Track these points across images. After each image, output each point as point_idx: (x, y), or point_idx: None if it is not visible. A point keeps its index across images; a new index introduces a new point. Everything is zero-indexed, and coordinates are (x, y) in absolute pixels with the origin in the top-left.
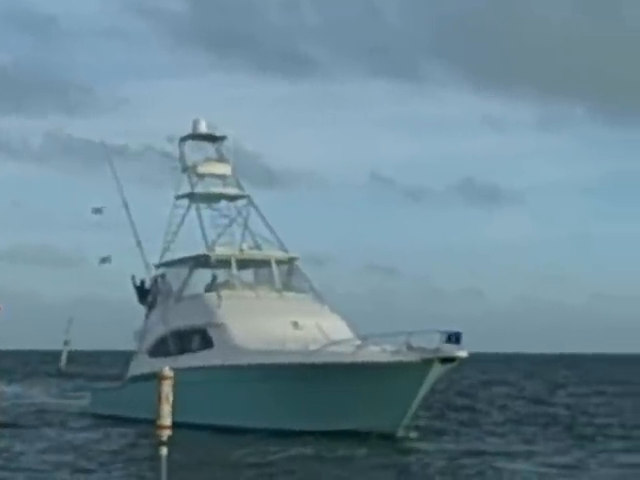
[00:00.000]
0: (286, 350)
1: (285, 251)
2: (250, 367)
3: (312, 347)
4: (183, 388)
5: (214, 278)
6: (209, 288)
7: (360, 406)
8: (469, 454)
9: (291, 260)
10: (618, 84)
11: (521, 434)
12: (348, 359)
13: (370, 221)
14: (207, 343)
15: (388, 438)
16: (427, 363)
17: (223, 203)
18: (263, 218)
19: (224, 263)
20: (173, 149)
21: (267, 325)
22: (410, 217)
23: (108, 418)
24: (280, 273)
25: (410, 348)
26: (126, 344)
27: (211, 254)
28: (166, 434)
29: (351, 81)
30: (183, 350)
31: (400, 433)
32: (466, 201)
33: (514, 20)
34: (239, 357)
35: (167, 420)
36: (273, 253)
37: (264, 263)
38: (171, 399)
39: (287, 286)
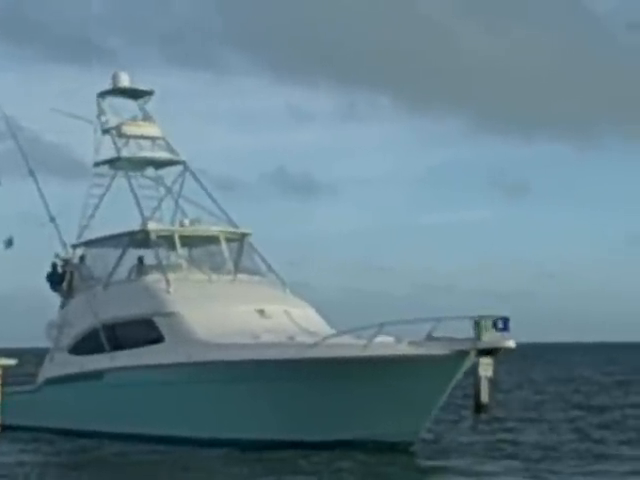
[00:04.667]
0: (267, 343)
1: (235, 226)
2: (225, 365)
3: (300, 339)
4: (126, 392)
5: (141, 260)
6: (139, 271)
7: (371, 410)
8: None
9: (243, 236)
10: (417, 71)
11: None
12: (362, 353)
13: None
14: (155, 336)
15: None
16: (461, 356)
17: (149, 171)
18: (204, 187)
19: (166, 240)
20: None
21: (228, 314)
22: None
23: (17, 429)
24: (230, 252)
25: (430, 338)
26: None
27: (151, 230)
28: None
29: (148, 72)
30: (121, 346)
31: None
32: (280, 193)
33: (308, 4)
34: (201, 353)
35: None
36: (222, 228)
37: (212, 240)
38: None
39: (238, 267)
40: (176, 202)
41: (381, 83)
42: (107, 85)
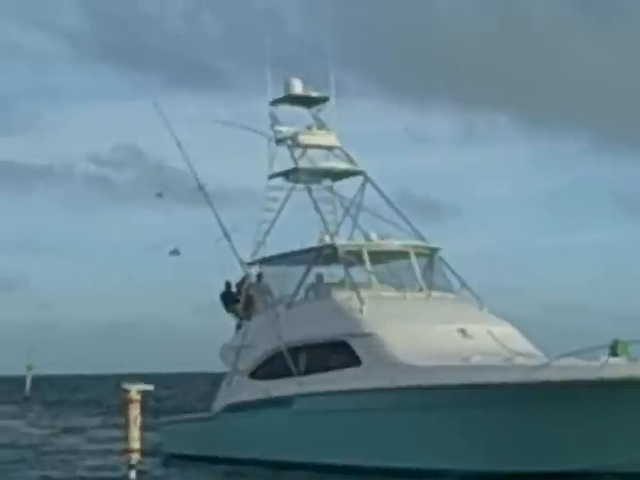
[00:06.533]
0: (482, 366)
1: (423, 240)
2: (439, 390)
3: (519, 360)
4: (317, 419)
5: (320, 277)
6: (321, 290)
7: (604, 438)
8: None
9: (433, 251)
10: (535, 91)
11: None
12: (601, 375)
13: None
14: (350, 359)
15: None
16: None
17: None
18: (387, 199)
19: (354, 256)
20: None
21: (429, 334)
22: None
23: (191, 459)
24: (419, 267)
25: None
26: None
27: (339, 245)
28: (135, 458)
29: (264, 96)
30: (310, 369)
31: None
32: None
33: (424, 26)
34: (407, 377)
35: (136, 444)
36: (412, 243)
37: (401, 255)
38: (139, 422)
39: (429, 284)
40: (355, 215)
41: (499, 104)
42: (233, 108)
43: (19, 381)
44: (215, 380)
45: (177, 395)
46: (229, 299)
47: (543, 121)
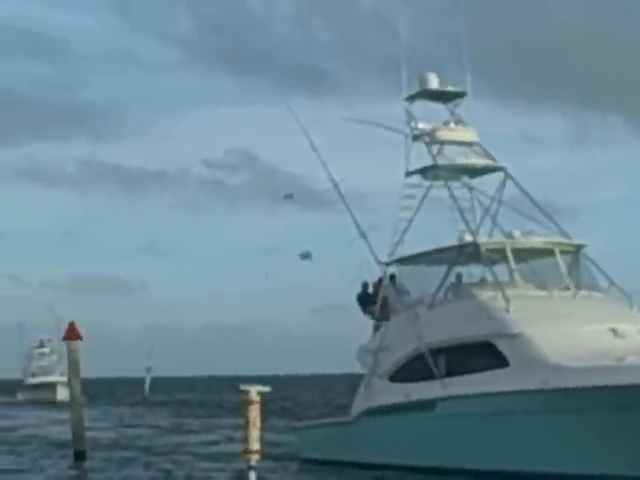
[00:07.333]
0: (638, 366)
1: (567, 237)
2: (596, 391)
3: None
4: (463, 422)
5: (459, 277)
6: (460, 289)
7: None
8: None
9: (578, 248)
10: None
11: None
12: None
13: None
14: (496, 361)
15: None
16: None
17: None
18: (529, 195)
19: (497, 254)
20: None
21: (578, 334)
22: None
23: (328, 464)
24: (565, 265)
25: None
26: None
27: (481, 243)
28: (255, 458)
29: (377, 99)
30: (453, 372)
31: None
32: (523, 217)
33: (535, 28)
34: (560, 378)
35: (255, 444)
36: (557, 240)
37: (545, 253)
38: (258, 423)
39: (576, 282)
40: (495, 213)
41: (613, 106)
42: (350, 109)
43: (139, 382)
44: (329, 382)
45: (292, 397)
46: (366, 300)
47: None
